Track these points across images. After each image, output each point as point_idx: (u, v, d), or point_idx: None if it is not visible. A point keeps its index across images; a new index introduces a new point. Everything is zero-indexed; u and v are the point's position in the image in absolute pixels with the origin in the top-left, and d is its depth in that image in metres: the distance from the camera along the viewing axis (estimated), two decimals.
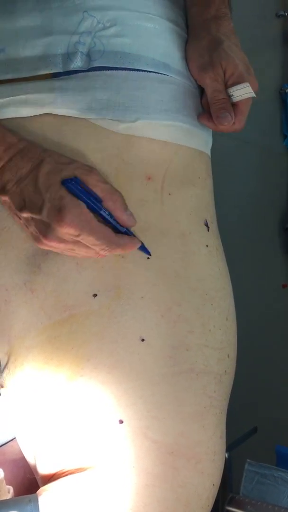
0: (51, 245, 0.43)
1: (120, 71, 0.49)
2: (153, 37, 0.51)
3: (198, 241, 0.51)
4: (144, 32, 0.50)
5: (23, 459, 0.52)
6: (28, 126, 0.48)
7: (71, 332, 0.46)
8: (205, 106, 0.55)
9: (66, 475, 0.45)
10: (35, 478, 0.50)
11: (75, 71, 0.49)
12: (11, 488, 0.48)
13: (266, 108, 1.52)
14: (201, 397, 0.47)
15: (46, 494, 0.43)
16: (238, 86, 0.51)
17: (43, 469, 0.46)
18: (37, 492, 0.44)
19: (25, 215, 0.43)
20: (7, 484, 0.49)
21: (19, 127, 0.48)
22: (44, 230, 0.42)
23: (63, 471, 0.45)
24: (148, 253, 0.48)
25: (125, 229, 0.46)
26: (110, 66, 0.49)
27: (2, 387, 0.50)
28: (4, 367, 0.49)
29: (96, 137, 0.49)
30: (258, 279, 1.33)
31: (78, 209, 0.41)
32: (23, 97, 0.48)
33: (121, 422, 0.45)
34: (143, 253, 0.48)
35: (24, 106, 0.48)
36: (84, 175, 0.43)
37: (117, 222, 0.45)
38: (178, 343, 0.47)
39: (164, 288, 0.48)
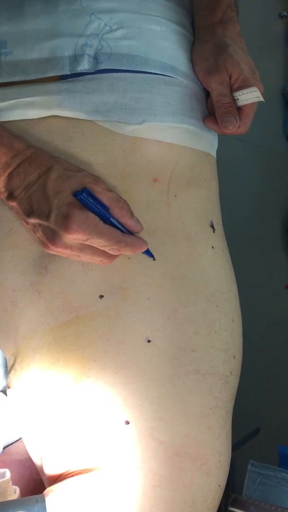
0: (57, 250, 0.44)
1: (127, 74, 0.49)
2: (160, 40, 0.51)
3: (204, 243, 0.51)
4: (151, 34, 0.51)
5: (29, 459, 0.53)
6: (35, 128, 0.49)
7: (77, 333, 0.46)
8: (211, 109, 0.55)
9: (73, 475, 0.45)
10: (41, 479, 0.50)
11: (82, 74, 0.49)
12: (17, 489, 0.48)
13: (269, 109, 1.52)
14: (207, 398, 0.47)
15: (52, 495, 0.44)
16: (246, 90, 0.51)
17: (50, 470, 0.47)
18: (44, 492, 0.45)
19: (32, 221, 0.44)
20: (13, 485, 0.49)
21: (26, 129, 0.49)
22: (51, 236, 0.43)
23: (70, 471, 0.46)
24: (153, 256, 0.48)
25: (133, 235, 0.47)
26: (117, 68, 0.49)
27: (9, 387, 0.50)
28: (11, 368, 0.50)
29: (103, 139, 0.49)
30: (261, 280, 1.33)
31: (84, 214, 0.42)
32: (30, 99, 0.48)
33: (127, 423, 0.45)
34: (147, 255, 0.48)
35: (31, 108, 0.48)
36: (91, 183, 0.44)
37: (125, 229, 0.46)
38: (184, 344, 0.47)
39: (170, 290, 0.48)
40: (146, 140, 0.50)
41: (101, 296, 0.47)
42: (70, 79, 0.49)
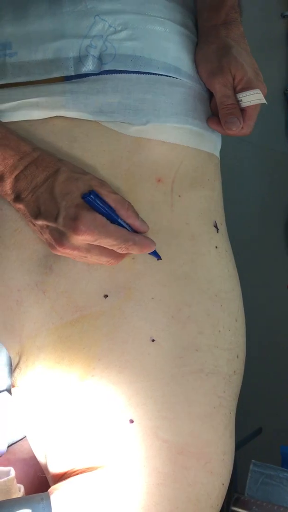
0: (65, 252, 0.44)
1: (131, 74, 0.50)
2: (164, 41, 0.51)
3: (207, 243, 0.51)
4: (155, 35, 0.51)
5: (33, 458, 0.53)
6: (39, 129, 0.49)
7: (82, 332, 0.47)
8: (214, 110, 0.56)
9: (77, 474, 0.45)
10: (45, 477, 0.50)
11: (87, 75, 0.49)
12: (22, 487, 0.48)
13: (271, 109, 1.52)
14: (211, 397, 0.47)
15: (57, 493, 0.44)
16: (249, 92, 0.52)
17: (54, 468, 0.47)
18: (49, 490, 0.45)
19: (40, 222, 0.44)
20: (18, 483, 0.49)
21: (30, 129, 0.49)
22: (59, 238, 0.43)
23: (74, 470, 0.46)
24: (158, 256, 0.48)
25: None
26: (121, 69, 0.50)
27: (13, 386, 0.51)
28: (16, 367, 0.50)
29: (107, 139, 0.49)
30: (263, 280, 1.33)
31: (92, 215, 0.42)
32: (34, 100, 0.49)
33: (131, 421, 0.45)
34: (153, 255, 0.48)
35: (36, 109, 0.49)
36: (97, 186, 0.44)
37: (132, 230, 0.46)
38: (188, 344, 0.47)
39: (174, 289, 0.48)
40: (150, 140, 0.50)
41: (106, 296, 0.47)
42: (75, 80, 0.49)
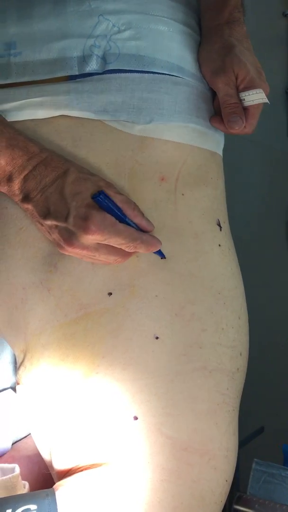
0: (74, 251, 0.44)
1: (135, 74, 0.50)
2: (167, 40, 0.52)
3: (211, 241, 0.51)
4: (159, 35, 0.51)
5: (37, 455, 0.53)
6: (44, 128, 0.49)
7: (86, 330, 0.47)
8: (217, 109, 0.56)
9: (82, 470, 0.46)
10: (49, 474, 0.51)
11: (91, 74, 0.50)
12: (26, 483, 0.49)
13: (272, 108, 1.52)
14: (214, 394, 0.47)
15: (62, 489, 0.44)
16: (251, 91, 0.52)
17: (59, 465, 0.47)
18: (54, 486, 0.45)
19: (49, 222, 0.44)
20: (22, 480, 0.50)
21: (35, 129, 0.49)
22: (68, 237, 0.43)
23: (79, 466, 0.46)
24: (163, 255, 0.49)
25: None
26: (125, 68, 0.50)
27: (18, 384, 0.51)
28: (20, 364, 0.50)
29: (111, 138, 0.50)
30: (265, 278, 1.33)
31: (102, 215, 0.43)
32: (39, 99, 0.49)
33: (135, 418, 0.45)
34: (158, 254, 0.49)
35: (40, 108, 0.49)
36: (105, 187, 0.45)
37: (139, 229, 0.47)
38: (192, 341, 0.48)
39: (178, 287, 0.48)
40: (153, 139, 0.51)
41: (110, 294, 0.48)
42: (79, 79, 0.50)
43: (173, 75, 0.52)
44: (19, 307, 0.49)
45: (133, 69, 0.50)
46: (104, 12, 0.50)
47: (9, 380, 0.56)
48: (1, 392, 0.55)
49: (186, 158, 0.52)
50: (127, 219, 0.45)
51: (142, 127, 0.50)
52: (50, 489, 0.44)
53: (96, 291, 0.47)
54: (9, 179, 0.45)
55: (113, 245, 0.44)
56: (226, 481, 0.48)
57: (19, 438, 0.56)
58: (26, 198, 0.45)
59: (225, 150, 0.60)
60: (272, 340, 1.32)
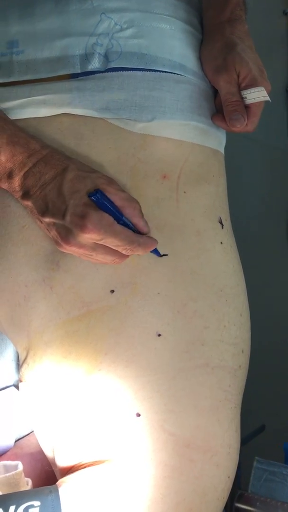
0: (71, 249, 0.44)
1: (137, 72, 0.50)
2: (169, 38, 0.52)
3: (212, 239, 0.52)
4: (160, 33, 0.51)
5: (40, 452, 0.53)
6: (46, 126, 0.50)
7: (89, 327, 0.47)
8: (219, 107, 0.56)
9: (85, 467, 0.46)
10: (52, 471, 0.51)
11: (93, 72, 0.50)
12: (29, 481, 0.49)
13: (273, 106, 1.52)
14: (217, 391, 0.48)
15: (65, 486, 0.44)
16: (253, 89, 0.52)
17: (62, 462, 0.47)
18: (57, 483, 0.45)
19: (47, 219, 0.44)
20: (25, 477, 0.50)
21: (38, 127, 0.49)
22: (65, 235, 0.43)
23: (82, 463, 0.46)
24: (159, 254, 0.48)
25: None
26: (127, 66, 0.50)
27: (21, 381, 0.51)
28: (23, 362, 0.50)
29: (113, 136, 0.50)
30: (266, 276, 1.33)
31: (99, 214, 0.42)
32: (41, 97, 0.49)
33: (138, 415, 0.45)
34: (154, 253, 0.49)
35: (43, 107, 0.49)
36: (105, 184, 0.44)
37: (135, 229, 0.46)
38: (194, 338, 0.48)
39: (180, 285, 0.49)
40: (155, 137, 0.51)
41: (112, 291, 0.48)
42: (81, 77, 0.50)
43: (175, 73, 0.52)
44: (22, 304, 0.49)
45: (135, 67, 0.50)
46: (106, 10, 0.50)
47: (12, 378, 0.56)
48: (4, 390, 0.55)
49: (188, 156, 0.52)
50: (123, 218, 0.45)
51: (144, 125, 0.50)
52: (53, 485, 0.44)
53: (98, 288, 0.48)
54: (10, 175, 0.45)
55: (110, 246, 0.44)
56: (229, 477, 0.48)
57: (22, 435, 0.56)
58: (26, 195, 0.45)
59: (225, 148, 0.60)
60: (273, 339, 1.32)
